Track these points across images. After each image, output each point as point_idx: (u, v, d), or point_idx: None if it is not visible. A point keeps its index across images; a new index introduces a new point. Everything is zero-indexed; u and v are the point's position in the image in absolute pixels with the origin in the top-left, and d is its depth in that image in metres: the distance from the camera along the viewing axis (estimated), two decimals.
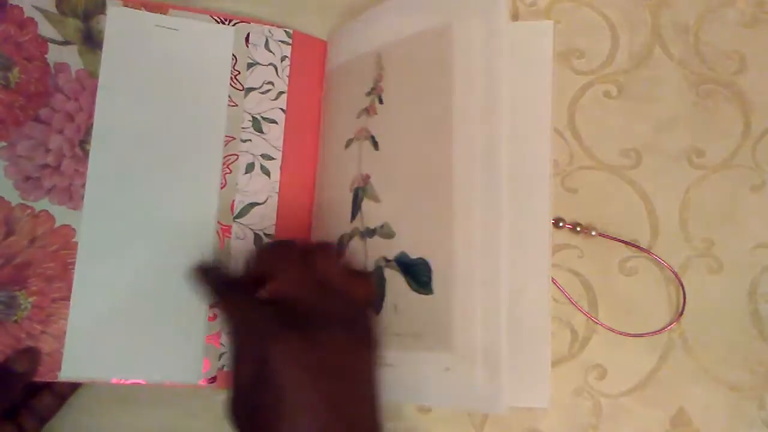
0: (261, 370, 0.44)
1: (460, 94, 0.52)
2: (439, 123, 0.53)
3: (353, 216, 0.57)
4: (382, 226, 0.55)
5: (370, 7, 0.62)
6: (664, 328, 0.60)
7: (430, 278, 0.52)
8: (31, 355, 0.55)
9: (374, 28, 0.59)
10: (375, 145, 0.57)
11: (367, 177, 0.57)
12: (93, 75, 0.58)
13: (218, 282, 0.53)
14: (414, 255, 0.53)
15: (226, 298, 0.51)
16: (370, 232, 0.56)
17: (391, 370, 0.52)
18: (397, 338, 0.53)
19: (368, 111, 0.58)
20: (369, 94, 0.58)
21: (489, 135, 0.51)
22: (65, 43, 0.58)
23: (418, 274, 0.53)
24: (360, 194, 0.57)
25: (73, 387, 0.58)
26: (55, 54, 0.58)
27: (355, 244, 0.56)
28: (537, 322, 0.54)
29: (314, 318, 0.46)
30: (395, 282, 0.54)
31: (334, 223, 0.58)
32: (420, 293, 0.52)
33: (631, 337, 0.60)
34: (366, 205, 0.56)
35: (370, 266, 0.55)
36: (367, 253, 0.56)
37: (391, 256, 0.54)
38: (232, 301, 0.50)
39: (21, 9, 0.58)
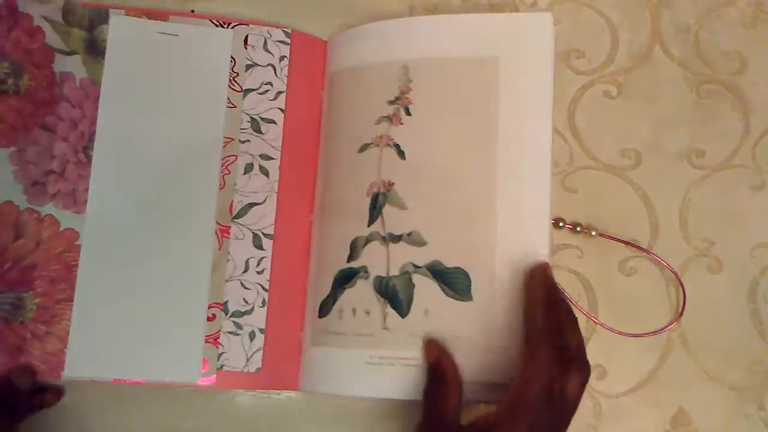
0: None
1: (505, 119, 0.57)
2: (482, 145, 0.57)
3: (372, 220, 0.58)
4: (410, 234, 0.57)
5: (369, 8, 0.63)
6: (664, 328, 0.60)
7: (469, 286, 0.55)
8: (31, 372, 0.56)
9: (400, 40, 0.60)
10: (401, 153, 0.58)
11: (390, 183, 0.58)
12: (96, 83, 0.60)
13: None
14: (450, 264, 0.56)
15: None
16: (395, 238, 0.57)
17: (414, 369, 0.55)
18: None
19: (391, 119, 0.59)
20: (393, 103, 0.59)
21: (534, 158, 0.56)
22: (70, 53, 0.60)
23: (455, 283, 0.55)
24: (381, 200, 0.58)
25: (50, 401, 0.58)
26: (60, 63, 0.60)
27: (375, 248, 0.57)
28: None
29: None
30: (426, 287, 0.56)
31: (345, 226, 0.59)
32: (457, 300, 0.55)
33: (631, 337, 0.60)
34: (388, 210, 0.58)
35: (395, 271, 0.57)
36: (389, 258, 0.57)
37: (421, 263, 0.56)
38: None
39: (31, 17, 0.60)
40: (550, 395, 0.47)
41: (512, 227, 0.55)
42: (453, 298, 0.55)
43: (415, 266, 0.56)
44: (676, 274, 0.61)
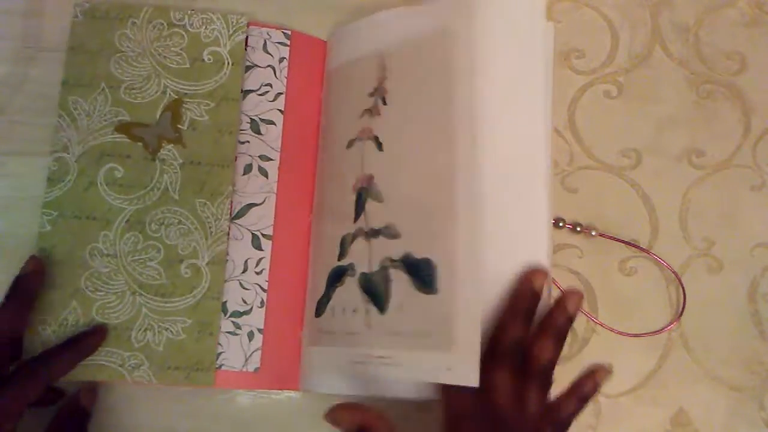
0: None
1: (462, 95, 0.53)
2: (441, 125, 0.54)
3: (357, 216, 0.57)
4: (386, 227, 0.56)
5: (370, 7, 0.63)
6: (664, 328, 0.60)
7: (434, 278, 0.52)
8: (95, 390, 0.57)
9: (377, 31, 0.60)
10: (379, 145, 0.57)
11: (371, 178, 0.57)
12: None
13: None
14: (419, 255, 0.53)
15: None
16: (375, 233, 0.56)
17: (393, 369, 0.53)
18: (399, 337, 0.53)
19: (371, 112, 0.58)
20: (372, 95, 0.58)
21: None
22: None
23: (422, 274, 0.53)
24: (364, 195, 0.57)
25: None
26: None
27: (360, 244, 0.57)
28: None
29: None
30: (400, 281, 0.54)
31: (337, 224, 0.58)
32: (424, 293, 0.53)
33: (631, 337, 0.60)
34: (370, 205, 0.57)
35: (375, 267, 0.55)
36: (371, 254, 0.56)
37: (396, 256, 0.55)
38: None
39: None
40: (494, 409, 0.48)
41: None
42: (420, 290, 0.53)
43: (392, 260, 0.55)
44: (676, 274, 0.61)
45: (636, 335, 0.60)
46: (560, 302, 0.52)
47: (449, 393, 0.51)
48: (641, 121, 0.63)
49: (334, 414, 0.48)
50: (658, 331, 0.60)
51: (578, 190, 0.63)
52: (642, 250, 0.61)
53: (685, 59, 0.64)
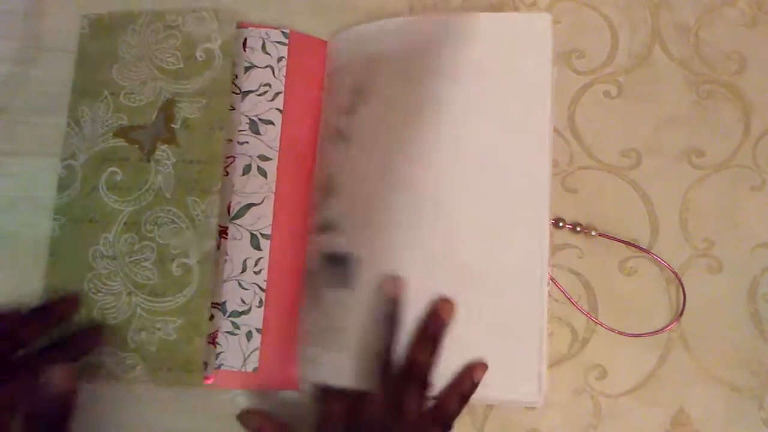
0: None
1: (451, 115, 0.56)
2: (421, 131, 0.56)
3: (314, 211, 0.58)
4: (333, 221, 0.57)
5: (369, 8, 0.63)
6: (664, 328, 0.60)
7: (351, 274, 0.54)
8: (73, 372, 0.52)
9: (377, 36, 0.60)
10: (347, 143, 0.58)
11: (331, 174, 0.58)
12: None
13: None
14: (344, 249, 0.55)
15: None
16: (321, 228, 0.57)
17: (317, 368, 0.55)
18: (316, 336, 0.56)
19: (347, 110, 0.59)
20: (352, 93, 0.59)
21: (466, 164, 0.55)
22: None
23: (340, 269, 0.55)
24: (321, 190, 0.58)
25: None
26: None
27: (311, 239, 0.58)
28: (529, 318, 0.54)
29: None
30: (326, 275, 0.56)
31: (310, 220, 0.59)
32: (340, 288, 0.55)
33: (631, 337, 0.60)
34: (327, 201, 0.58)
35: (315, 262, 0.57)
36: (314, 248, 0.57)
37: (328, 250, 0.56)
38: None
39: None
40: (371, 416, 0.50)
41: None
42: (336, 286, 0.54)
43: (323, 254, 0.56)
44: (676, 274, 0.61)
45: (636, 335, 0.60)
46: (434, 311, 0.53)
47: (326, 396, 0.53)
48: (641, 121, 0.63)
49: (241, 417, 0.53)
50: (658, 331, 0.60)
51: (578, 190, 0.62)
52: (642, 250, 0.61)
53: (685, 59, 0.64)
